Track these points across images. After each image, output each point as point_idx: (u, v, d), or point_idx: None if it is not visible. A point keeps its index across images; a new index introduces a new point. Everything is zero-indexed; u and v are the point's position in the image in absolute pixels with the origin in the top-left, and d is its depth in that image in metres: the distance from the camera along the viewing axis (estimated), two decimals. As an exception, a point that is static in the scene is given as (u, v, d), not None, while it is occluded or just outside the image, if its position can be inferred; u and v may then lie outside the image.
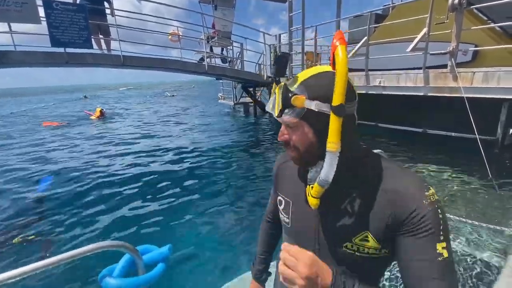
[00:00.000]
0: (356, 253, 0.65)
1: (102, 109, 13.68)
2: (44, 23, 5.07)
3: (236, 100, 12.17)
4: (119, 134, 9.10)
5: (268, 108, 0.66)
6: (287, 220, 0.78)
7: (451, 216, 2.61)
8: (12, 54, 5.10)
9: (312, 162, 0.65)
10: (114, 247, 1.76)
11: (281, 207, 0.81)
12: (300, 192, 0.74)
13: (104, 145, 7.69)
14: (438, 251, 0.55)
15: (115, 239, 2.84)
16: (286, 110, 0.61)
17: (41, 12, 5.01)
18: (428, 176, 4.20)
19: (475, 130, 3.14)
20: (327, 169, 0.60)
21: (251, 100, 11.31)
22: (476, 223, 2.35)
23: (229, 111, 13.98)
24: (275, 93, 0.64)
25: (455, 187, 3.77)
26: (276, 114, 0.63)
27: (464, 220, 2.49)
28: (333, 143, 0.59)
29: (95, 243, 1.67)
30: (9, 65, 5.40)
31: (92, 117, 13.08)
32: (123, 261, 1.90)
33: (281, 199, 0.81)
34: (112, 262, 2.09)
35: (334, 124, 0.59)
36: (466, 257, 2.33)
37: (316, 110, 0.59)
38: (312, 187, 0.63)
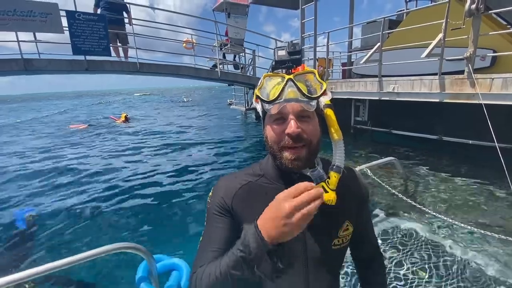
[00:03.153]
0: (342, 245, 0.72)
1: (127, 115, 14.46)
2: (67, 33, 5.33)
3: (247, 105, 12.28)
4: (141, 140, 9.35)
5: (288, 93, 0.59)
6: None
7: (473, 228, 2.52)
8: (36, 62, 5.38)
9: (312, 161, 0.66)
10: (127, 249, 1.81)
11: None
12: None
13: (128, 150, 7.87)
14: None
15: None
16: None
17: (64, 22, 5.28)
18: (444, 185, 4.07)
19: (494, 137, 3.03)
20: (340, 155, 0.65)
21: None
22: (496, 235, 2.26)
23: (241, 117, 14.10)
24: (294, 80, 0.60)
25: (474, 198, 3.64)
26: (315, 95, 0.60)
27: (487, 233, 2.40)
28: (338, 131, 0.66)
29: (109, 245, 1.72)
30: (33, 72, 5.69)
31: (117, 122, 13.78)
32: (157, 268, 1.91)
33: None
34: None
35: (333, 115, 0.66)
36: (483, 271, 2.23)
37: (323, 103, 0.65)
38: (327, 182, 0.64)
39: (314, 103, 0.61)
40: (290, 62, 0.63)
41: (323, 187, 0.63)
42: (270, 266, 0.51)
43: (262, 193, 0.68)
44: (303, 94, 0.59)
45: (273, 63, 0.66)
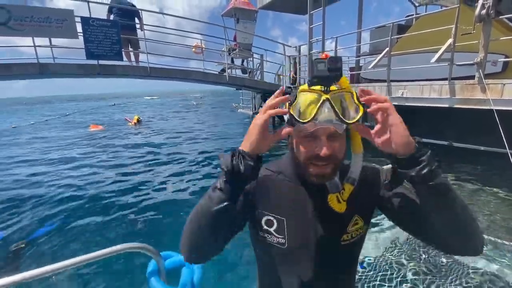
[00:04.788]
0: (351, 240, 0.73)
1: (139, 118, 14.78)
2: (81, 38, 5.51)
3: (255, 109, 12.34)
4: (152, 142, 9.52)
5: (324, 115, 0.58)
6: (283, 241, 0.71)
7: (490, 237, 2.47)
8: (51, 66, 5.56)
9: (335, 173, 0.67)
10: (134, 249, 1.84)
11: (272, 228, 0.72)
12: (294, 206, 0.72)
13: (138, 151, 8.01)
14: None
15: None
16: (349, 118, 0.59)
17: (78, 28, 5.45)
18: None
19: (506, 144, 2.98)
20: (357, 169, 0.68)
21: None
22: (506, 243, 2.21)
23: (248, 120, 14.17)
24: (331, 100, 0.58)
25: (485, 205, 3.56)
26: (353, 120, 0.58)
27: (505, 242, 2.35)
28: (360, 145, 0.68)
29: (118, 245, 1.75)
30: (48, 76, 5.88)
31: (130, 124, 14.10)
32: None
33: (271, 219, 0.72)
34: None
35: (356, 133, 0.68)
36: (499, 281, 2.18)
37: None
38: (341, 193, 0.67)
39: (345, 125, 0.59)
40: (329, 79, 0.59)
41: (337, 197, 0.66)
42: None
43: (277, 187, 0.73)
44: (339, 118, 0.57)
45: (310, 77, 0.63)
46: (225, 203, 0.59)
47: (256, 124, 0.60)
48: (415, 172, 0.54)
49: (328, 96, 0.58)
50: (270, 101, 0.60)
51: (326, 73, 0.58)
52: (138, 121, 14.28)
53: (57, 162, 6.99)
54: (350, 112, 0.59)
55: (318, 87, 0.60)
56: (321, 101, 0.58)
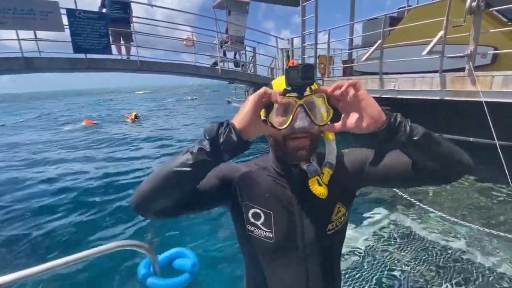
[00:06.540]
0: (336, 229, 0.75)
1: (137, 114, 14.70)
2: (67, 30, 5.33)
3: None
4: (149, 137, 9.44)
5: (303, 122, 0.62)
6: (271, 235, 0.72)
7: (473, 226, 2.55)
8: (37, 61, 5.38)
9: (313, 153, 0.71)
10: (129, 246, 1.83)
11: (259, 222, 0.73)
12: (279, 200, 0.73)
13: (135, 147, 7.99)
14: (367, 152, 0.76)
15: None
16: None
17: (65, 20, 5.27)
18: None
19: (494, 135, 3.04)
20: (333, 154, 0.74)
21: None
22: (494, 232, 2.28)
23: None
24: (305, 106, 0.61)
25: (474, 196, 3.65)
26: (324, 123, 0.62)
27: (485, 230, 2.42)
28: (332, 135, 0.74)
29: (111, 243, 1.73)
30: (34, 70, 5.70)
31: (128, 120, 14.00)
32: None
33: (258, 211, 0.73)
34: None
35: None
36: (485, 270, 2.25)
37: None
38: (321, 176, 0.70)
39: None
40: (303, 87, 0.61)
41: (317, 180, 0.69)
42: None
43: (262, 181, 0.76)
44: (313, 122, 0.62)
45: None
46: (188, 169, 0.56)
47: (249, 100, 0.59)
48: (404, 136, 0.56)
49: (302, 102, 0.61)
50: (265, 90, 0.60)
51: (300, 81, 0.59)
52: (136, 117, 14.16)
53: (53, 159, 6.85)
54: (321, 115, 0.63)
55: (292, 94, 0.62)
56: (296, 108, 0.61)
